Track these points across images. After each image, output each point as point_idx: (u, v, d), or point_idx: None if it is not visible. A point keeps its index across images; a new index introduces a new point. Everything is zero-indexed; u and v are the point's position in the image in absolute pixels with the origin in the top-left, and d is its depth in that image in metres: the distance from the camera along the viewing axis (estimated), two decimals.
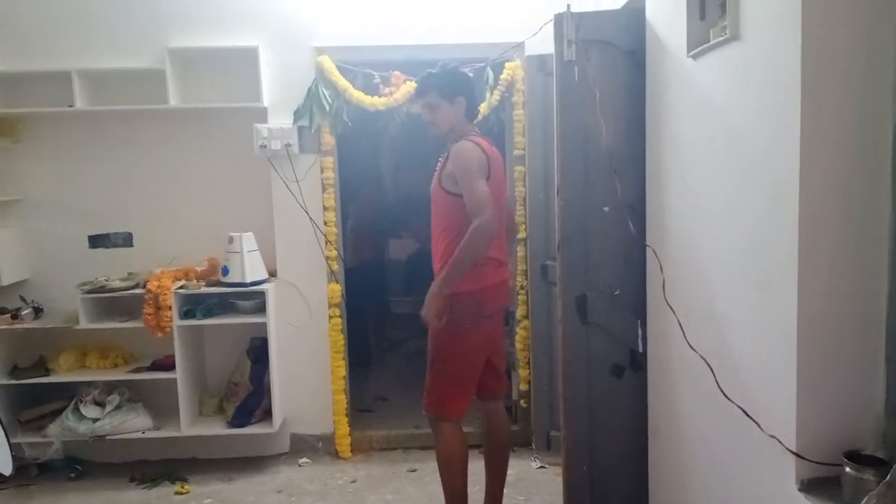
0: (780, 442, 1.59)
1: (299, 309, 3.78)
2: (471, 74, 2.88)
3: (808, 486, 1.54)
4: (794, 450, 1.54)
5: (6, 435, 2.11)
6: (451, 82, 2.69)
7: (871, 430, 1.53)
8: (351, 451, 3.80)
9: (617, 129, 2.51)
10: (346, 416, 3.80)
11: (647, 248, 2.44)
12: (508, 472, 3.28)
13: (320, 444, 3.84)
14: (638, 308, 2.56)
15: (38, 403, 3.71)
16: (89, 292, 3.55)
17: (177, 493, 3.44)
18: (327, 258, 3.76)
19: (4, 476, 1.96)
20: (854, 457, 1.47)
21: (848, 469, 1.46)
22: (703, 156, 2.01)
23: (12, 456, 3.65)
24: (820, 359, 1.52)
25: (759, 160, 1.68)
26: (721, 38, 1.82)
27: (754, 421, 1.70)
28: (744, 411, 1.74)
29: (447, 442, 2.71)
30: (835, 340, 1.52)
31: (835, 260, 1.51)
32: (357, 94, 3.62)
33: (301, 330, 3.78)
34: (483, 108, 3.62)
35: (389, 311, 6.50)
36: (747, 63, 1.73)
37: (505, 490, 3.00)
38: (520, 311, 3.78)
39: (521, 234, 3.74)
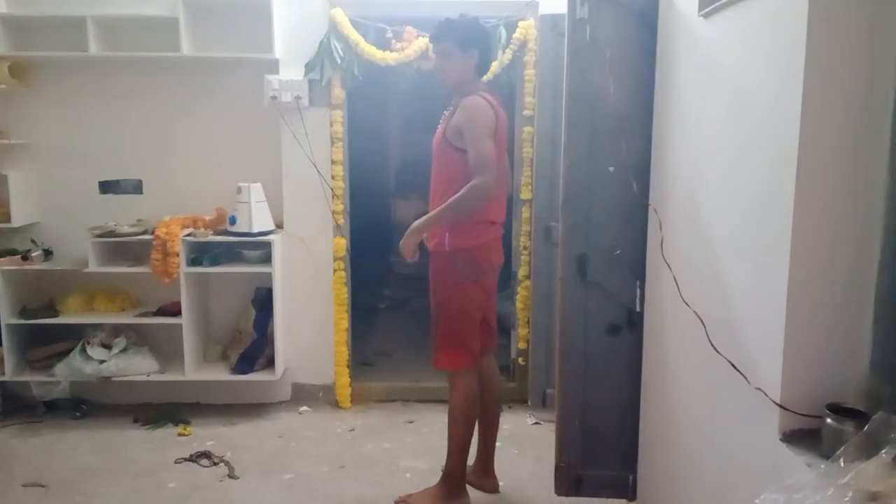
0: (766, 394, 1.63)
1: (304, 261, 3.83)
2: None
3: (789, 437, 1.58)
4: (779, 402, 1.59)
5: None
6: (468, 33, 2.68)
7: (855, 386, 1.57)
8: (350, 402, 3.88)
9: (625, 89, 2.52)
10: (347, 367, 3.88)
11: (649, 206, 2.47)
12: (504, 426, 3.37)
13: (321, 393, 3.92)
14: (637, 268, 2.59)
15: (47, 344, 3.80)
16: (99, 236, 3.61)
17: (179, 434, 3.53)
18: (333, 212, 3.80)
19: None
20: (835, 409, 1.51)
21: (829, 420, 1.50)
22: (707, 116, 2.03)
23: (20, 394, 3.78)
24: (808, 315, 1.55)
25: (761, 122, 1.69)
26: None
27: (742, 374, 1.74)
28: (732, 365, 1.79)
29: (461, 394, 2.77)
30: (824, 298, 1.55)
31: (828, 220, 1.53)
32: (369, 49, 3.62)
33: (306, 281, 3.84)
34: (494, 66, 3.63)
35: (393, 270, 6.57)
36: (755, 22, 1.73)
37: (499, 443, 3.08)
38: (521, 272, 3.83)
39: (527, 196, 3.76)
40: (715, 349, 1.88)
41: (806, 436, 1.57)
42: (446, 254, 2.70)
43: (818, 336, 1.56)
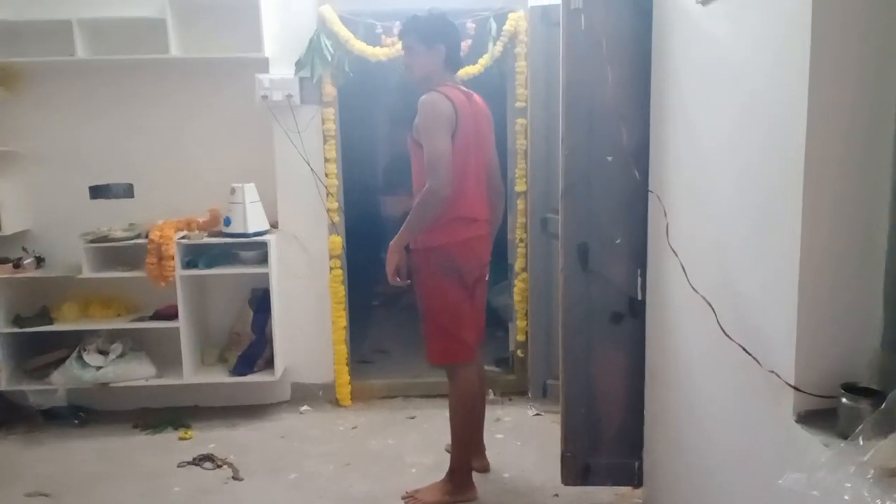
0: (779, 376, 1.64)
1: (300, 260, 3.82)
2: (461, 24, 2.88)
3: (804, 418, 1.59)
4: (793, 383, 1.60)
5: None
6: (433, 28, 2.68)
7: (868, 364, 1.58)
8: (351, 400, 3.87)
9: (622, 77, 2.52)
10: (347, 365, 3.87)
11: (651, 193, 2.47)
12: (505, 419, 3.43)
13: (321, 392, 3.90)
14: (638, 256, 2.60)
15: (42, 352, 3.76)
16: (91, 242, 3.57)
17: (181, 438, 3.51)
18: (328, 210, 3.78)
19: None
20: (850, 388, 1.52)
21: (844, 400, 1.51)
22: (706, 99, 2.03)
23: (17, 404, 3.75)
24: (820, 295, 1.56)
25: (759, 96, 1.70)
26: None
27: (753, 357, 1.75)
28: (744, 349, 1.79)
29: (460, 387, 2.77)
30: (834, 277, 1.55)
31: (838, 203, 1.53)
32: (359, 45, 3.61)
33: (302, 281, 3.82)
34: (485, 59, 3.63)
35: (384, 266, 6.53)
36: (751, 10, 1.73)
37: (500, 435, 3.12)
38: (518, 264, 3.83)
39: (522, 188, 3.76)
40: (726, 334, 1.89)
41: (821, 416, 1.57)
42: (421, 251, 2.70)
43: (830, 316, 1.57)
